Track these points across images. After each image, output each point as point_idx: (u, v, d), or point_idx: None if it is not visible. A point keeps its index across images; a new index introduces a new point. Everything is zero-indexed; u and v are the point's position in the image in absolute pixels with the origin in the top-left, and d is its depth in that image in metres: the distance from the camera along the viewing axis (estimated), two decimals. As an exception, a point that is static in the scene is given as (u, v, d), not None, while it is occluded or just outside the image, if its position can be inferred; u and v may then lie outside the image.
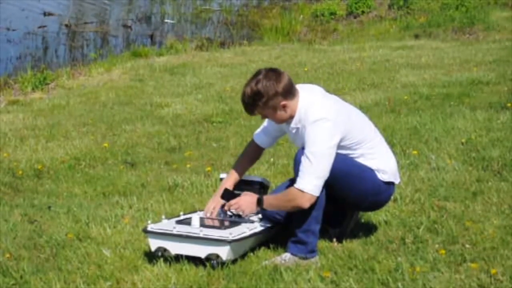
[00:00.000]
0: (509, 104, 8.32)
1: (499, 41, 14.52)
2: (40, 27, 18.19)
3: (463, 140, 6.99)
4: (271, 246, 4.71)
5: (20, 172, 6.85)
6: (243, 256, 4.57)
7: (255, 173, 6.15)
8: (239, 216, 4.72)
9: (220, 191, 4.83)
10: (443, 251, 4.54)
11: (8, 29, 17.62)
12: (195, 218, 4.61)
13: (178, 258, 4.47)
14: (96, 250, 4.79)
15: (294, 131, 4.58)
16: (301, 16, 19.41)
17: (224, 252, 4.38)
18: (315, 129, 4.39)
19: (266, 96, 4.45)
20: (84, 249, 4.81)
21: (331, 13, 19.53)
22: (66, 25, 18.85)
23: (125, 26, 19.41)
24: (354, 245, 4.76)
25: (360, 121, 4.69)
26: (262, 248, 4.71)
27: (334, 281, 4.24)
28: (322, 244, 4.73)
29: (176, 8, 22.36)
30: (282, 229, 4.72)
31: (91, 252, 4.76)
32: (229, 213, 4.77)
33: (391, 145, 6.38)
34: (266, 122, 4.84)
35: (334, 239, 4.78)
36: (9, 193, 6.36)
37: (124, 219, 5.37)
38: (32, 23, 18.41)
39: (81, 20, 19.77)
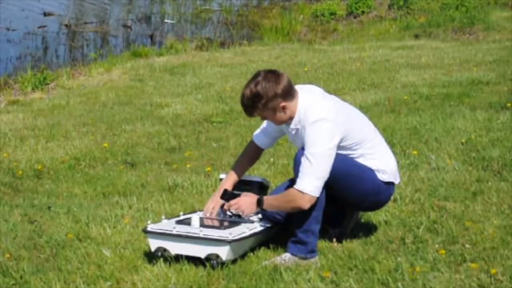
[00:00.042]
0: (509, 104, 8.32)
1: (499, 41, 14.52)
2: (40, 27, 18.19)
3: (463, 140, 6.99)
4: (271, 246, 4.71)
5: (20, 172, 6.85)
6: (243, 256, 4.57)
7: (255, 173, 6.15)
8: (239, 216, 4.72)
9: (219, 191, 4.83)
10: (443, 251, 4.54)
11: (8, 29, 17.62)
12: (195, 218, 4.62)
13: (178, 258, 4.47)
14: (96, 250, 4.79)
15: (294, 132, 4.58)
16: (301, 16, 19.41)
17: (224, 252, 4.38)
18: (315, 130, 4.39)
19: (266, 97, 4.45)
20: (84, 249, 4.81)
21: (331, 13, 19.53)
22: (66, 25, 18.85)
23: (125, 26, 19.41)
24: (354, 245, 4.76)
25: (360, 121, 4.69)
26: (262, 248, 4.71)
27: (334, 281, 4.24)
28: (322, 244, 4.73)
29: (176, 8, 22.36)
30: (282, 229, 4.72)
31: (91, 252, 4.76)
32: (228, 213, 4.77)
33: (391, 145, 6.39)
34: (265, 123, 4.84)
35: (334, 239, 4.78)
36: (9, 193, 6.36)
37: (124, 219, 5.37)
38: (32, 23, 18.41)
39: (81, 20, 19.77)
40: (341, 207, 4.77)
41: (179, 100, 10.08)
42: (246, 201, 4.64)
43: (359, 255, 4.55)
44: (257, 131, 4.91)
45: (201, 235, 4.42)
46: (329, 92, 4.81)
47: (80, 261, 4.63)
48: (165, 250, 4.48)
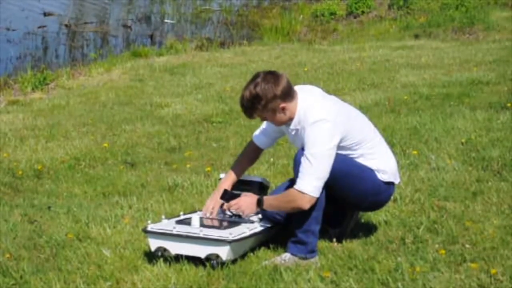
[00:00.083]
0: (509, 104, 8.32)
1: (499, 41, 14.52)
2: (40, 27, 18.20)
3: (463, 140, 6.99)
4: (271, 246, 4.71)
5: (20, 172, 6.84)
6: (243, 256, 4.57)
7: (255, 173, 6.15)
8: (239, 216, 4.72)
9: (218, 191, 4.83)
10: (443, 251, 4.54)
11: (8, 29, 17.63)
12: (195, 218, 4.61)
13: (178, 258, 4.47)
14: (96, 250, 4.79)
15: (293, 132, 4.58)
16: (301, 16, 19.42)
17: (224, 252, 4.38)
18: (314, 130, 4.39)
19: (265, 99, 4.45)
20: (84, 249, 4.81)
21: (331, 13, 19.53)
22: (66, 25, 18.85)
23: (125, 26, 19.41)
24: (354, 245, 4.76)
25: (360, 121, 4.69)
26: (262, 248, 4.71)
27: (334, 281, 4.24)
28: (322, 244, 4.73)
29: (176, 8, 22.36)
30: (282, 229, 4.72)
31: (91, 252, 4.76)
32: (228, 213, 4.77)
33: (391, 145, 6.38)
34: (265, 124, 4.84)
35: (334, 239, 4.78)
36: (9, 193, 6.36)
37: (124, 219, 5.37)
38: (32, 23, 18.42)
39: (81, 20, 19.78)
40: (341, 207, 4.77)
41: (179, 100, 10.08)
42: (246, 201, 4.64)
43: (359, 255, 4.55)
44: (257, 131, 4.91)
45: (201, 235, 4.42)
46: (329, 92, 4.81)
47: (80, 261, 4.63)
48: (165, 250, 4.48)
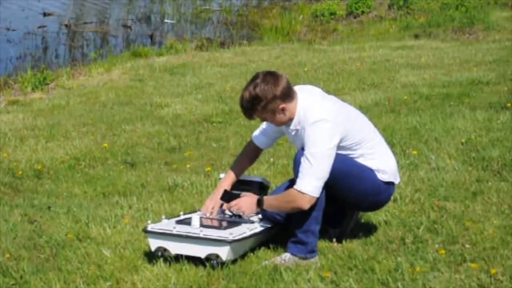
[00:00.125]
0: (509, 104, 8.32)
1: (499, 41, 14.52)
2: (40, 27, 18.20)
3: (463, 140, 6.99)
4: (271, 246, 4.71)
5: (20, 172, 6.85)
6: (243, 256, 4.57)
7: (255, 173, 6.15)
8: (239, 216, 4.72)
9: (218, 191, 4.83)
10: (443, 251, 4.54)
11: (8, 29, 17.63)
12: (195, 218, 4.61)
13: (178, 258, 4.47)
14: (96, 250, 4.79)
15: (293, 133, 4.58)
16: (301, 16, 19.42)
17: (224, 252, 4.38)
18: (314, 130, 4.39)
19: (265, 100, 4.45)
20: (84, 249, 4.81)
21: (331, 13, 19.53)
22: (66, 25, 18.85)
23: (125, 26, 19.42)
24: (354, 245, 4.76)
25: (360, 121, 4.69)
26: (262, 248, 4.71)
27: (334, 281, 4.24)
28: (322, 244, 4.73)
29: (176, 8, 22.36)
30: (282, 229, 4.72)
31: (91, 252, 4.76)
32: (228, 213, 4.77)
33: (391, 145, 6.38)
34: (265, 124, 4.84)
35: (334, 239, 4.78)
36: (9, 193, 6.36)
37: (124, 219, 5.37)
38: (32, 23, 18.42)
39: (81, 20, 19.79)
40: (341, 207, 4.77)
41: (179, 100, 10.08)
42: (247, 202, 4.64)
43: (359, 255, 4.55)
44: (256, 131, 4.91)
45: (201, 235, 4.42)
46: (329, 92, 4.81)
47: (80, 261, 4.63)
48: (165, 250, 4.48)
